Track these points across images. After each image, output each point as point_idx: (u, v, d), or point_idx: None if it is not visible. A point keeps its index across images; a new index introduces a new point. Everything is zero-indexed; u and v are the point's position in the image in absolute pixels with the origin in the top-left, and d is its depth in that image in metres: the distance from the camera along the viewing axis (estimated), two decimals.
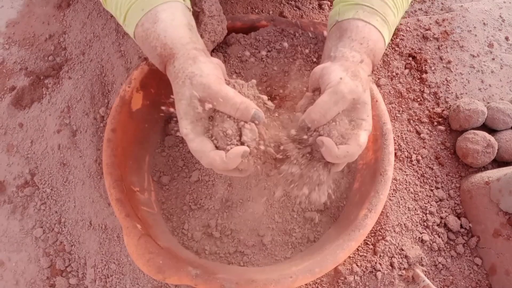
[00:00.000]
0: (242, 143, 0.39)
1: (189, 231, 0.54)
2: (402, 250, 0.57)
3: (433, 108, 0.68)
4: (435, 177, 0.63)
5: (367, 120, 0.41)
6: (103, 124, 0.67)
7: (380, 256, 0.57)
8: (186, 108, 0.39)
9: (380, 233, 0.58)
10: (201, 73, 0.38)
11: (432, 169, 0.64)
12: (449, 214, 0.60)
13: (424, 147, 0.65)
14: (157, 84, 0.56)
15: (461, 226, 0.60)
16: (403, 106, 0.68)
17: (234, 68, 0.57)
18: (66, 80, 0.72)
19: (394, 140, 0.65)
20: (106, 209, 0.62)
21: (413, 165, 0.64)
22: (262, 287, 0.42)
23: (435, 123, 0.67)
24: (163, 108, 0.52)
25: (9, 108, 0.71)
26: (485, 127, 0.65)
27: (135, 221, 0.47)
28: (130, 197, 0.50)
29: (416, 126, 0.67)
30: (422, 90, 0.69)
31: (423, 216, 0.60)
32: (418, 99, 0.68)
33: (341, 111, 0.40)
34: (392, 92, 0.69)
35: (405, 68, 0.70)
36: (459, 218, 0.60)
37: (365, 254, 0.57)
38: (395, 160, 0.63)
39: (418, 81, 0.70)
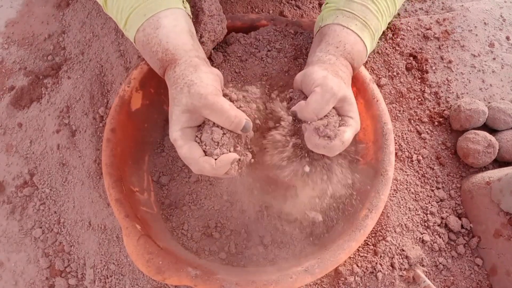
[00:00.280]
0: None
1: (188, 231, 0.54)
2: (403, 250, 0.57)
3: (434, 108, 0.68)
4: (436, 177, 0.63)
5: (354, 118, 0.42)
6: (102, 124, 0.67)
7: (380, 256, 0.56)
8: (179, 114, 0.39)
9: (381, 234, 0.58)
10: (200, 82, 0.39)
11: (433, 169, 0.63)
12: (450, 215, 0.60)
13: (424, 147, 0.65)
14: (157, 83, 0.55)
15: (462, 227, 0.60)
16: (403, 106, 0.68)
17: (234, 68, 0.57)
18: (65, 80, 0.71)
19: (395, 140, 0.65)
20: (105, 210, 0.62)
21: (414, 165, 0.64)
22: (262, 287, 0.42)
23: (436, 123, 0.66)
24: (165, 107, 0.52)
25: (8, 108, 0.71)
26: (486, 127, 0.64)
27: (135, 221, 0.47)
28: (129, 198, 0.50)
29: (417, 126, 0.66)
30: (423, 90, 0.69)
31: (423, 217, 0.60)
32: (419, 99, 0.68)
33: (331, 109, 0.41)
34: (392, 92, 0.68)
35: (406, 67, 0.70)
36: (460, 218, 0.60)
37: (365, 255, 0.57)
38: (395, 160, 0.63)
39: (419, 80, 0.69)
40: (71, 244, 0.61)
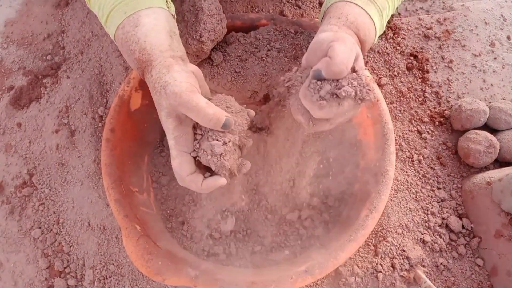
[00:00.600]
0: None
1: (188, 232, 0.54)
2: (404, 251, 0.57)
3: (434, 108, 0.67)
4: (437, 178, 0.63)
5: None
6: (101, 124, 0.67)
7: (381, 257, 0.56)
8: (165, 120, 0.39)
9: (381, 234, 0.58)
10: (174, 81, 0.38)
11: (434, 169, 0.63)
12: (450, 215, 0.60)
13: (425, 147, 0.65)
14: None
15: (463, 227, 0.59)
16: (404, 106, 0.67)
17: (234, 68, 0.56)
18: (65, 79, 0.71)
19: (396, 140, 0.64)
20: (104, 210, 0.61)
21: (415, 165, 0.63)
22: None
23: (437, 123, 0.66)
24: None
25: (7, 108, 0.71)
26: (487, 127, 0.64)
27: (134, 222, 0.47)
28: (129, 198, 0.50)
29: (418, 126, 0.66)
30: (423, 89, 0.69)
31: (424, 217, 0.60)
32: (420, 99, 0.68)
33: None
34: (393, 92, 0.68)
35: (407, 67, 0.70)
36: (460, 218, 0.60)
37: (366, 255, 0.56)
38: (396, 160, 0.62)
39: (419, 80, 0.69)
40: (70, 244, 0.61)
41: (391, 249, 0.57)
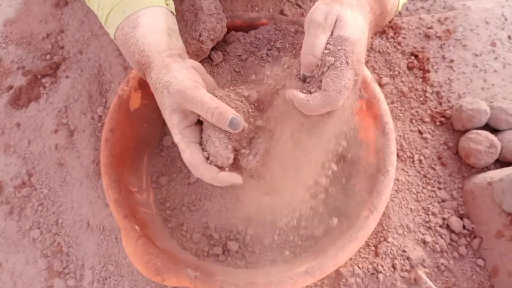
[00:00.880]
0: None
1: (188, 232, 0.53)
2: (404, 251, 0.57)
3: (435, 108, 0.67)
4: (438, 178, 0.62)
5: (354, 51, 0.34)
6: (101, 124, 0.66)
7: (382, 257, 0.56)
8: (170, 117, 0.39)
9: (382, 234, 0.58)
10: (175, 80, 0.38)
11: (435, 169, 0.63)
12: (451, 215, 0.60)
13: (426, 147, 0.64)
14: None
15: (464, 227, 0.59)
16: (405, 106, 0.67)
17: (234, 67, 0.56)
18: (64, 79, 0.71)
19: (396, 140, 0.64)
20: (104, 210, 0.61)
21: (415, 165, 0.63)
22: None
23: (438, 123, 0.66)
24: None
25: (6, 108, 0.70)
26: (488, 127, 0.64)
27: (134, 222, 0.47)
28: (128, 198, 0.49)
29: (419, 125, 0.66)
30: (424, 89, 0.68)
31: (425, 217, 0.60)
32: (421, 99, 0.68)
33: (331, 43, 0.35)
34: (394, 92, 0.68)
35: (407, 67, 0.70)
36: (461, 219, 0.60)
37: (366, 256, 0.56)
38: (397, 160, 0.62)
39: (420, 80, 0.69)
40: (69, 245, 0.61)
41: (391, 249, 0.56)
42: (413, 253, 0.56)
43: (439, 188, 0.62)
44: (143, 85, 0.55)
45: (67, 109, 0.69)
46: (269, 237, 0.53)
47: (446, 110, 0.67)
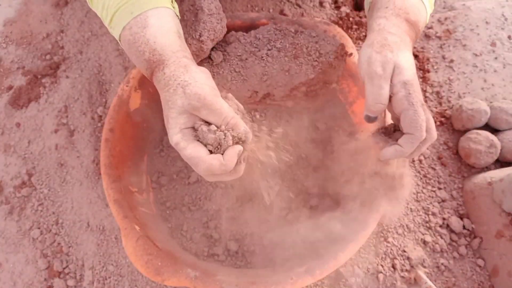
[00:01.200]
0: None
1: (188, 232, 0.53)
2: (404, 251, 0.57)
3: (435, 108, 0.67)
4: (438, 178, 0.62)
5: (408, 82, 0.39)
6: (100, 124, 0.66)
7: (382, 257, 0.56)
8: (176, 116, 0.38)
9: (382, 235, 0.58)
10: (195, 82, 0.38)
11: (435, 169, 0.63)
12: (451, 215, 0.60)
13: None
14: None
15: (464, 227, 0.59)
16: None
17: (234, 67, 0.56)
18: (64, 79, 0.71)
19: None
20: (104, 210, 0.61)
21: (416, 165, 0.63)
22: None
23: (438, 123, 0.66)
24: None
25: (6, 108, 0.70)
26: (488, 127, 0.64)
27: (134, 222, 0.46)
28: (128, 198, 0.49)
29: None
30: (424, 89, 0.68)
31: (425, 217, 0.60)
32: None
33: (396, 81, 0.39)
34: None
35: None
36: (461, 219, 0.60)
37: (367, 256, 0.56)
38: None
39: (420, 80, 0.69)
40: (69, 245, 0.61)
41: (391, 249, 0.56)
42: (413, 253, 0.56)
43: (439, 188, 0.62)
44: (143, 85, 0.54)
45: (67, 109, 0.69)
46: (269, 237, 0.53)
47: (446, 110, 0.67)
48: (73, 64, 0.72)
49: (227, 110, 0.38)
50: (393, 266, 0.56)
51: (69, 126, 0.67)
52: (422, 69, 0.70)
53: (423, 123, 0.38)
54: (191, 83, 0.38)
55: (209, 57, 0.56)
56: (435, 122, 0.66)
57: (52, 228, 0.62)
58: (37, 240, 0.61)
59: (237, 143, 0.39)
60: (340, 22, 0.72)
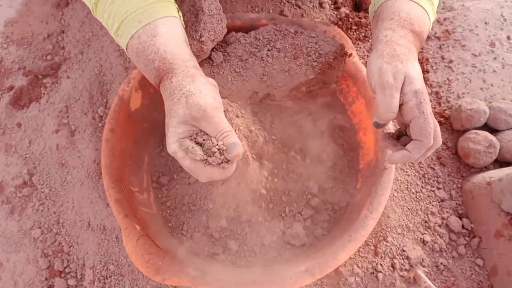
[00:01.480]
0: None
1: (188, 232, 0.54)
2: (404, 251, 0.57)
3: (434, 108, 0.67)
4: (437, 178, 0.63)
5: (418, 91, 0.41)
6: (101, 124, 0.67)
7: (381, 257, 0.56)
8: (176, 126, 0.39)
9: (381, 234, 0.58)
10: (199, 93, 0.38)
11: (434, 169, 0.63)
12: (450, 215, 0.60)
13: None
14: None
15: (463, 227, 0.59)
16: None
17: (234, 68, 0.56)
18: (65, 79, 0.71)
19: None
20: (104, 210, 0.61)
21: (415, 165, 0.63)
22: None
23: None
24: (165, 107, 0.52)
25: (7, 108, 0.71)
26: (487, 127, 0.64)
27: (134, 222, 0.47)
28: (129, 198, 0.50)
29: None
30: None
31: (424, 217, 0.60)
32: None
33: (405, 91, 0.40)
34: None
35: None
36: (460, 218, 0.60)
37: (366, 255, 0.56)
38: None
39: None
40: (70, 244, 0.61)
41: (391, 249, 0.57)
42: (412, 253, 0.56)
43: (438, 188, 0.62)
44: (143, 86, 0.55)
45: (68, 109, 0.69)
46: (269, 237, 0.53)
47: (445, 110, 0.67)
48: (74, 65, 0.72)
49: (225, 125, 0.38)
50: (393, 266, 0.56)
51: (70, 126, 0.68)
52: (421, 69, 0.70)
53: (432, 131, 0.39)
54: (195, 93, 0.38)
55: (210, 57, 0.56)
56: None
57: (53, 228, 0.62)
58: (38, 239, 0.62)
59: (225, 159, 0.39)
60: (340, 22, 0.72)
